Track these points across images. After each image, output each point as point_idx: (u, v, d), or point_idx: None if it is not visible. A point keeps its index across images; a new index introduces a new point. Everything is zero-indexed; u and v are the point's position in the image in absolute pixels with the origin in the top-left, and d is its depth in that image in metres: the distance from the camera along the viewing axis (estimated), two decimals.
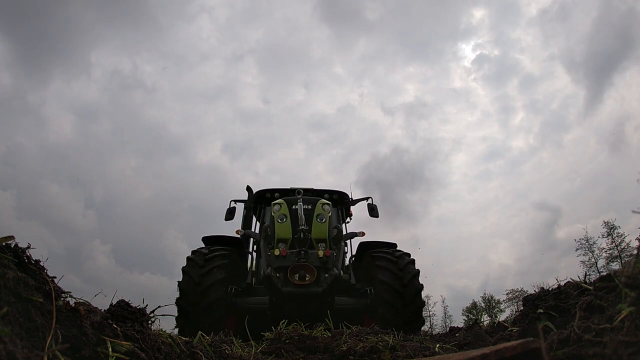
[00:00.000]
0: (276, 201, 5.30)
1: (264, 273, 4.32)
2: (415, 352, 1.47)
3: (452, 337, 1.71)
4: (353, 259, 5.59)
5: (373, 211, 6.15)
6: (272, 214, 5.19)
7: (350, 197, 6.43)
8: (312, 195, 5.77)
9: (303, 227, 4.64)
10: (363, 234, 5.32)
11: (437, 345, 1.55)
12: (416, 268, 4.66)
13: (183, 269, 4.38)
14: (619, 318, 0.71)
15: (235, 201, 6.24)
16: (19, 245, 0.85)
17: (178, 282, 4.35)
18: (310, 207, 5.17)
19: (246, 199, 6.22)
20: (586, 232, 29.32)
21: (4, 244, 0.81)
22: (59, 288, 0.86)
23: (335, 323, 3.82)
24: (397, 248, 5.11)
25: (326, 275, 4.37)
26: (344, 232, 5.60)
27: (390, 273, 4.49)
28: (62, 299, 0.84)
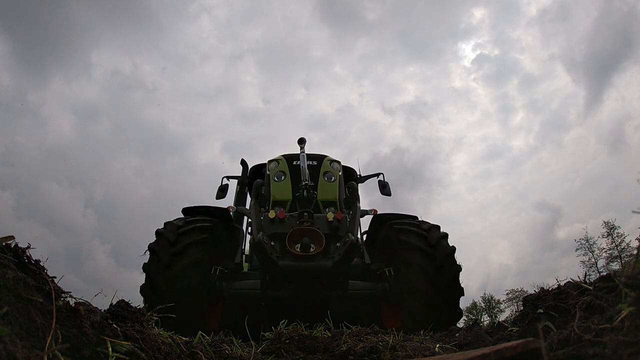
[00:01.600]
0: (273, 158, 4.35)
1: (253, 240, 3.22)
2: (415, 352, 1.47)
3: (452, 337, 1.71)
4: (365, 236, 4.52)
5: (385, 188, 5.07)
6: (268, 172, 4.23)
7: (358, 173, 5.41)
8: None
9: (307, 182, 3.55)
10: (375, 211, 4.30)
11: (437, 345, 1.55)
12: (451, 245, 3.49)
13: (149, 247, 3.26)
14: (619, 318, 0.71)
15: (228, 177, 5.23)
16: (19, 245, 0.86)
17: (143, 264, 3.25)
18: (315, 163, 4.18)
19: (240, 175, 5.38)
20: (586, 232, 29.33)
21: (4, 244, 0.81)
22: (59, 288, 0.86)
23: (346, 312, 3.34)
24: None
25: (338, 244, 3.29)
26: None
27: (419, 251, 3.38)
28: (62, 299, 0.84)
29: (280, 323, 2.04)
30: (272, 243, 3.27)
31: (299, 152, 3.99)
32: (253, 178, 5.28)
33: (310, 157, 4.11)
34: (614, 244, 27.31)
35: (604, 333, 0.72)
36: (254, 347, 1.77)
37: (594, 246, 28.48)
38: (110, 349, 0.83)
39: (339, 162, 4.38)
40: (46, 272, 0.86)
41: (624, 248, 26.09)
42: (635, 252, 0.91)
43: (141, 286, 3.16)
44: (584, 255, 28.69)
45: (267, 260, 3.20)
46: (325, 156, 4.35)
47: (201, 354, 1.24)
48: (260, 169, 5.27)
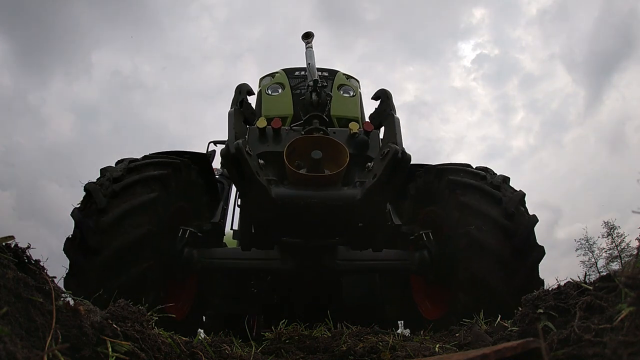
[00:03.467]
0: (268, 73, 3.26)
1: (227, 151, 1.96)
2: (415, 352, 1.47)
3: (452, 337, 1.71)
4: None
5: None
6: (259, 88, 3.17)
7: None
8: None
9: (317, 79, 2.42)
10: None
11: (437, 345, 1.55)
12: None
13: (85, 187, 2.16)
14: (619, 318, 0.71)
15: (215, 142, 4.12)
16: (19, 245, 0.85)
17: (73, 209, 2.14)
18: (327, 74, 3.10)
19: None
20: (586, 232, 29.31)
21: (4, 244, 0.81)
22: (59, 288, 0.86)
23: (363, 291, 2.77)
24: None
25: (368, 165, 2.18)
26: None
27: (491, 224, 2.16)
28: (62, 299, 0.84)
29: (281, 323, 2.03)
30: (261, 162, 2.13)
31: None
32: None
33: (319, 69, 2.94)
34: (614, 244, 27.30)
35: (604, 333, 0.72)
36: (254, 347, 1.77)
37: (594, 246, 28.48)
38: (110, 349, 0.83)
39: (357, 80, 3.27)
40: (46, 272, 0.86)
41: (624, 248, 26.08)
42: (635, 252, 0.91)
43: (65, 243, 2.05)
44: (584, 255, 28.67)
45: (250, 187, 1.98)
46: (338, 71, 3.27)
47: (201, 354, 1.24)
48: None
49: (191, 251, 2.38)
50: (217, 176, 3.39)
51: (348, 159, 2.05)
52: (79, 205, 2.16)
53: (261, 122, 2.37)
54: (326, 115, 2.39)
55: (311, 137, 2.16)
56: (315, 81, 2.41)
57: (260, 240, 2.34)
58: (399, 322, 2.95)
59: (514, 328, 1.23)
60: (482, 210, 2.21)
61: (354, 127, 2.41)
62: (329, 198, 2.01)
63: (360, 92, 3.21)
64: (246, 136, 2.31)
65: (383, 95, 2.64)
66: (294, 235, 2.31)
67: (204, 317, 3.18)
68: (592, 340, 0.73)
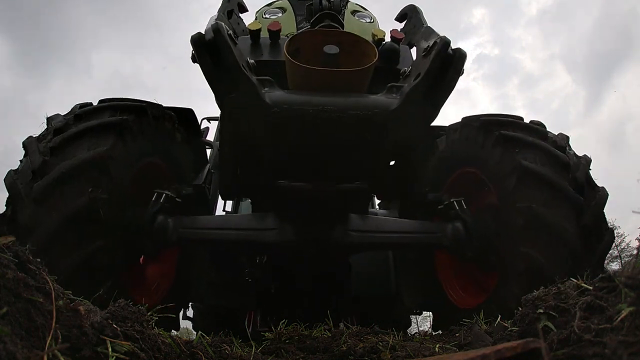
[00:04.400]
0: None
1: (202, 36, 1.46)
2: (415, 352, 1.47)
3: (452, 337, 1.71)
4: None
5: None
6: (255, 16, 2.65)
7: None
8: None
9: None
10: None
11: (437, 345, 1.55)
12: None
13: (23, 142, 1.75)
14: (619, 318, 0.71)
15: (209, 119, 3.80)
16: (19, 245, 0.85)
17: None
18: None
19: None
20: None
21: (3, 244, 0.81)
22: (59, 288, 0.86)
23: (375, 272, 2.46)
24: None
25: (405, 69, 1.78)
26: None
27: (559, 193, 1.70)
28: (62, 299, 0.84)
29: (281, 323, 2.03)
30: (250, 62, 1.66)
31: None
32: None
33: None
34: (614, 244, 27.33)
35: (604, 333, 0.72)
36: (254, 347, 1.78)
37: None
38: (110, 349, 0.83)
39: (374, 15, 2.80)
40: (46, 272, 0.86)
41: (624, 248, 26.12)
42: (635, 252, 0.91)
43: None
44: None
45: (233, 87, 1.47)
46: (350, 0, 2.77)
47: (201, 354, 1.24)
48: None
49: (166, 219, 1.90)
50: (204, 137, 2.97)
51: (376, 59, 1.55)
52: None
53: (254, 25, 1.84)
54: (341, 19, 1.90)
55: (322, 31, 1.65)
56: None
57: (246, 182, 1.82)
58: (424, 313, 2.56)
59: (514, 328, 1.23)
60: (550, 178, 1.69)
61: (378, 32, 1.90)
62: (350, 105, 1.43)
63: (377, 23, 2.67)
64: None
65: (411, 11, 2.10)
66: (294, 175, 1.73)
67: (189, 309, 2.92)
68: (592, 340, 0.73)
